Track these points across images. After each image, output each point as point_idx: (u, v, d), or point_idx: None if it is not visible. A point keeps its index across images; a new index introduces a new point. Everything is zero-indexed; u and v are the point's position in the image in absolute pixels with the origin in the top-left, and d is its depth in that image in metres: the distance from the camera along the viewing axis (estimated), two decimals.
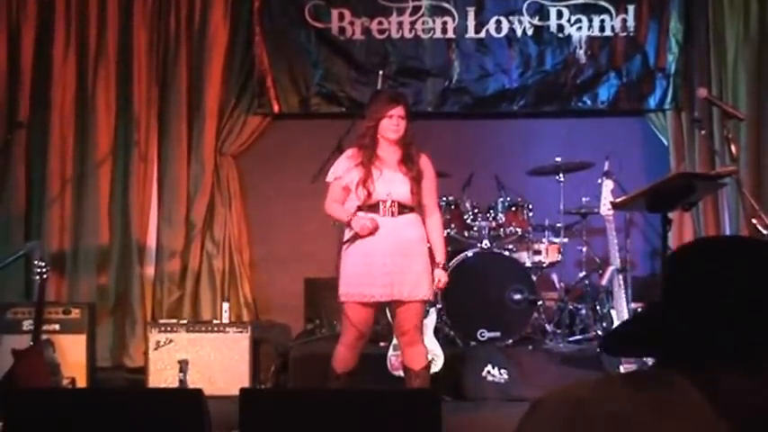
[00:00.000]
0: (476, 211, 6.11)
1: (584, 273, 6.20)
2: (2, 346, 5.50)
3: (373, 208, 4.52)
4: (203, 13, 6.74)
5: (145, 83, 6.74)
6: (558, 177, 6.20)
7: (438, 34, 6.77)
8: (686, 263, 1.49)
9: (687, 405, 1.39)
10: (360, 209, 4.53)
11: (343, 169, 4.60)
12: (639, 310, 5.48)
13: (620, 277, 5.43)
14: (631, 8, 6.72)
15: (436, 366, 5.24)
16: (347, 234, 4.59)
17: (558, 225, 6.22)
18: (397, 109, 4.54)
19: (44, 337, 5.45)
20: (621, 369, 5.31)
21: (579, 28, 6.74)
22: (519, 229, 6.12)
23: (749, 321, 1.40)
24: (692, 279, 1.46)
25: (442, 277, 4.64)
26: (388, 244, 4.49)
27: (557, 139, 6.73)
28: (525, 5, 6.73)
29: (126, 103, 6.72)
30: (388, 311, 4.84)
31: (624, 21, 6.73)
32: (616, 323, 5.36)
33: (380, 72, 6.06)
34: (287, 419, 3.11)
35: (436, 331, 5.55)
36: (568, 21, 6.74)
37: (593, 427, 1.34)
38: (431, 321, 5.46)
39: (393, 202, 4.50)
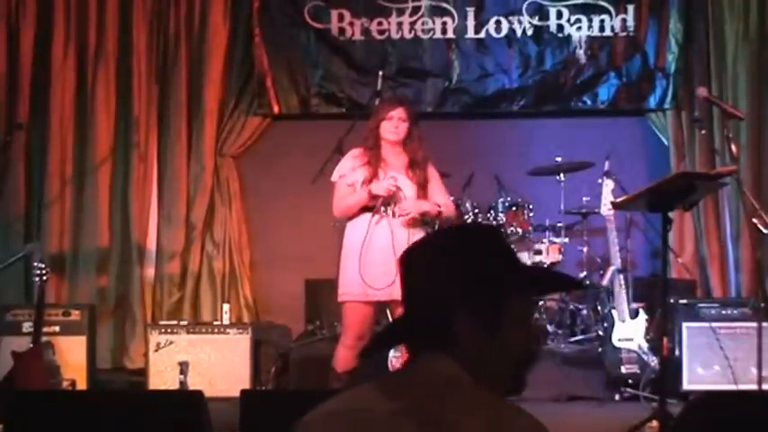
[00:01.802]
0: (476, 211, 6.10)
1: (584, 273, 6.19)
2: (2, 348, 5.49)
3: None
4: (203, 14, 6.74)
5: (145, 83, 6.74)
6: (558, 177, 6.20)
7: (438, 34, 6.76)
8: (408, 260, 1.56)
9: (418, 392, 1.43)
10: (364, 208, 4.53)
11: (348, 168, 4.61)
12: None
13: (621, 277, 5.44)
14: (631, 8, 6.71)
15: None
16: (352, 231, 4.56)
17: (559, 225, 6.21)
18: (398, 111, 4.54)
19: (44, 339, 5.44)
20: (623, 369, 5.31)
21: (579, 28, 6.74)
22: (519, 230, 6.11)
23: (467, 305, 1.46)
24: (412, 273, 1.55)
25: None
26: (389, 244, 4.49)
27: (557, 139, 6.72)
28: (525, 5, 6.73)
29: (126, 103, 6.72)
30: (388, 311, 4.84)
31: (624, 21, 6.72)
32: (617, 323, 5.36)
33: (380, 72, 6.04)
34: (287, 421, 3.10)
35: None
36: (568, 21, 6.74)
37: None
38: None
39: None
